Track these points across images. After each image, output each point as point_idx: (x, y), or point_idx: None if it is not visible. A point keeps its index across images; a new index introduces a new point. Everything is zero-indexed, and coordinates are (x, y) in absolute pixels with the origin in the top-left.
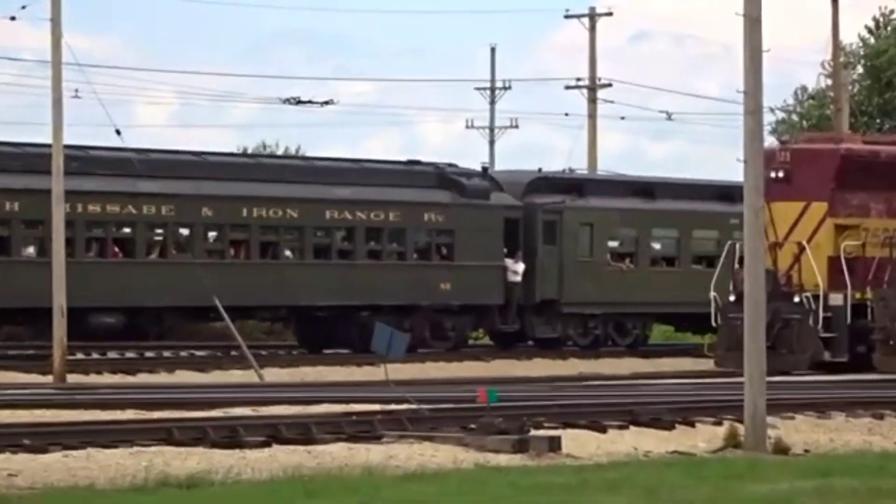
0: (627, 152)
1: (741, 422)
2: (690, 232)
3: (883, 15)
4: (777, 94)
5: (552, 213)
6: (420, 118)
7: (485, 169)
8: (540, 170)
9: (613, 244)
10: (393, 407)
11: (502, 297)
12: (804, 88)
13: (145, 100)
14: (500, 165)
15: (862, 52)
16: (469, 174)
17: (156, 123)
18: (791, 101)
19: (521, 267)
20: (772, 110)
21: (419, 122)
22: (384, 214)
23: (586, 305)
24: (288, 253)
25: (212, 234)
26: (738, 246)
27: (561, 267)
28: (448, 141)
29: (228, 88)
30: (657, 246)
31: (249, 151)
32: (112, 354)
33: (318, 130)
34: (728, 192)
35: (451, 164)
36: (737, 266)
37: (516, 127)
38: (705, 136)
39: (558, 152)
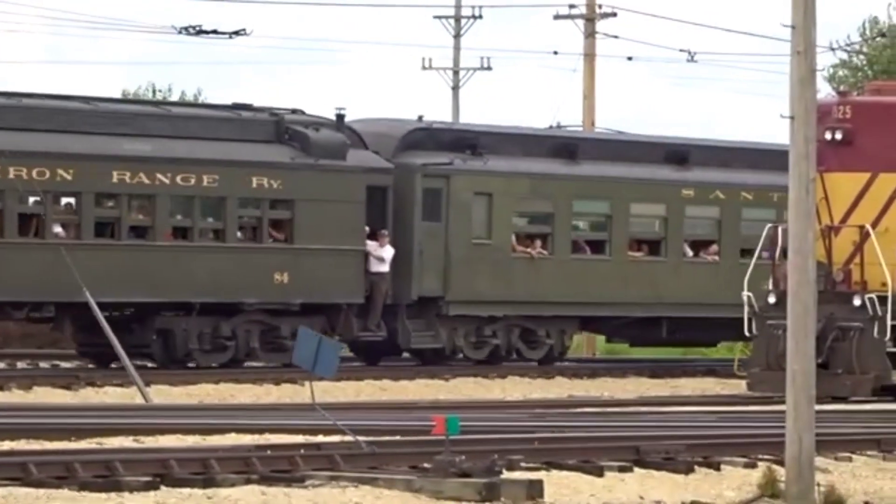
0: (636, 103)
1: (782, 463)
2: (626, 206)
3: None
4: (840, 32)
5: (436, 177)
6: (361, 56)
7: (340, 117)
8: (420, 118)
9: (520, 222)
10: (321, 439)
11: (362, 293)
12: (875, 21)
13: (4, 28)
14: (466, 118)
15: None
16: (318, 124)
17: (19, 59)
18: (857, 38)
19: (389, 252)
20: (832, 50)
21: (359, 61)
22: (196, 178)
23: (482, 306)
24: (58, 229)
25: None
26: (780, 230)
27: (447, 253)
28: (397, 85)
29: (113, 15)
30: (581, 225)
31: (132, 95)
32: None
33: (228, 69)
34: (680, 153)
35: (295, 111)
36: (778, 257)
37: (489, 69)
38: (742, 84)
39: (544, 103)
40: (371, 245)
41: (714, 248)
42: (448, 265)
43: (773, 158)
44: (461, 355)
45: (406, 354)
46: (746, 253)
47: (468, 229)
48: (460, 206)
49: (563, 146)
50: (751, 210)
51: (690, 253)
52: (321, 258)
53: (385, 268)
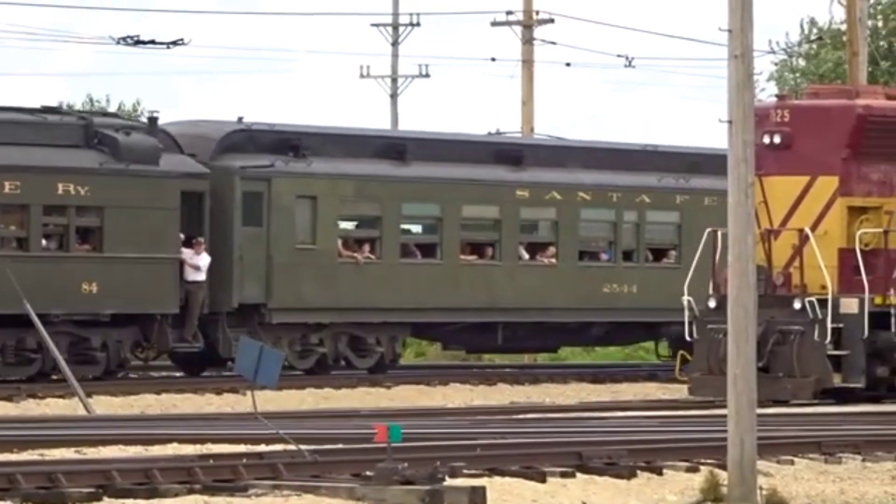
0: (580, 109)
1: (724, 467)
2: (458, 208)
3: None
4: (779, 33)
5: (256, 180)
6: (301, 65)
7: (152, 120)
8: (240, 119)
9: (347, 226)
10: (263, 448)
11: (177, 302)
12: (813, 22)
13: None
14: (405, 126)
15: None
16: (129, 128)
17: None
18: (796, 38)
19: (205, 260)
20: (772, 51)
21: (299, 71)
22: None
23: (307, 313)
24: None
25: None
26: (719, 234)
27: (269, 258)
28: (335, 93)
29: (54, 26)
30: (411, 228)
31: (74, 107)
32: None
33: (169, 80)
34: (513, 153)
35: (107, 113)
36: (718, 261)
37: (427, 76)
38: (686, 88)
39: (484, 110)
40: (186, 253)
41: (551, 250)
42: (270, 271)
43: (612, 157)
44: (285, 365)
45: (230, 363)
46: (585, 255)
47: (291, 234)
48: (282, 209)
49: (390, 147)
50: (589, 211)
51: (526, 256)
52: (133, 267)
53: (201, 276)
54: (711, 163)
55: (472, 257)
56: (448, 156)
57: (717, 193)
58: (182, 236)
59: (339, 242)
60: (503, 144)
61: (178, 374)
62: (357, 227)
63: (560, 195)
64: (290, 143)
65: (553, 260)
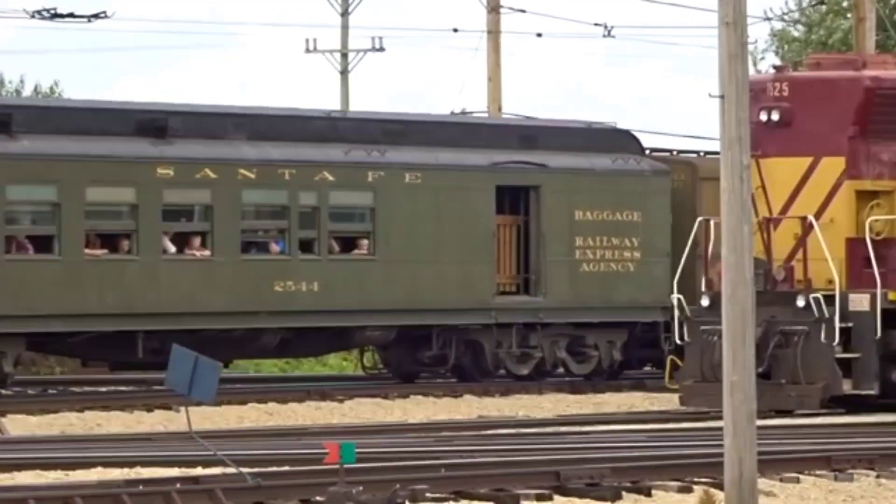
0: (549, 85)
1: (721, 486)
2: (81, 191)
3: None
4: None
5: None
6: (238, 38)
7: None
8: None
9: None
10: (200, 471)
11: None
12: None
13: None
14: (356, 106)
15: None
16: None
17: None
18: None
19: None
20: (768, 19)
21: (235, 45)
22: None
23: None
24: None
25: None
26: (712, 224)
27: None
28: (278, 70)
29: None
30: (19, 217)
31: None
32: None
33: (100, 57)
34: (156, 123)
35: None
36: (711, 254)
37: (381, 49)
38: (669, 60)
39: (448, 87)
40: None
41: (202, 240)
42: None
43: (285, 127)
44: None
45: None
46: (252, 246)
47: None
48: None
49: None
50: (254, 192)
51: (173, 248)
52: None
53: None
54: (414, 131)
55: (102, 251)
56: (68, 127)
57: (421, 168)
58: None
59: None
60: (142, 112)
61: (102, 389)
62: None
63: (215, 173)
64: None
65: (206, 252)
